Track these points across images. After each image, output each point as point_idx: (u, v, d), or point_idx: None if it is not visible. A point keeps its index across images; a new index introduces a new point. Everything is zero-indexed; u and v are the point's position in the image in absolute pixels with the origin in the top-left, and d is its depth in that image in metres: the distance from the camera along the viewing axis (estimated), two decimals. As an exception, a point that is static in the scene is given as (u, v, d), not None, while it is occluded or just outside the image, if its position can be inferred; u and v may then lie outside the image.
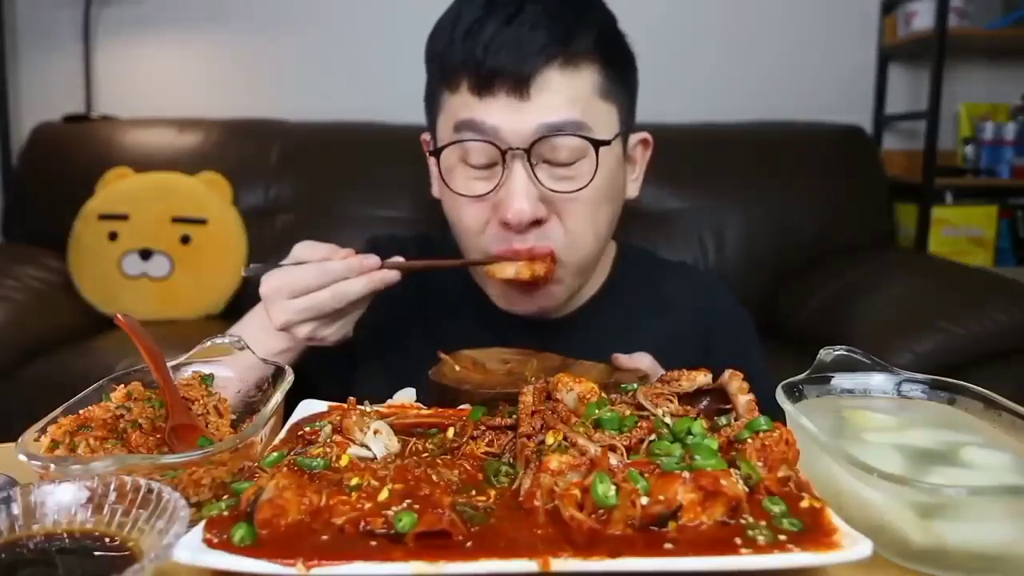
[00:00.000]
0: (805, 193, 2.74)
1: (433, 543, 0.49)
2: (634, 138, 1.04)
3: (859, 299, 2.27)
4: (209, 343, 0.81)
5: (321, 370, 1.02)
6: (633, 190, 1.06)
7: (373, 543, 0.50)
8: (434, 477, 0.57)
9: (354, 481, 0.55)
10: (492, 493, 0.57)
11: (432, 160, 1.03)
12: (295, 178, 2.72)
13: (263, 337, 0.92)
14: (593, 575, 0.48)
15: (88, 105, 3.03)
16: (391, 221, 2.61)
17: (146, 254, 2.56)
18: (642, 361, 0.89)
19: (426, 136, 1.06)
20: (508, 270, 0.95)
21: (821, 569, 0.49)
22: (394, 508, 0.52)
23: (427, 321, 1.09)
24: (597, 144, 0.91)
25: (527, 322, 1.06)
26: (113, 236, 2.57)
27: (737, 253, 2.67)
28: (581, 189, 0.91)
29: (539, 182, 0.91)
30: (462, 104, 0.93)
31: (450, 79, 0.94)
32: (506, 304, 1.02)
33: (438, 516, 0.50)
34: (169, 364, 0.75)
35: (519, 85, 0.89)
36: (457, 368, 0.89)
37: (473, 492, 0.57)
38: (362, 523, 0.51)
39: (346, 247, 1.13)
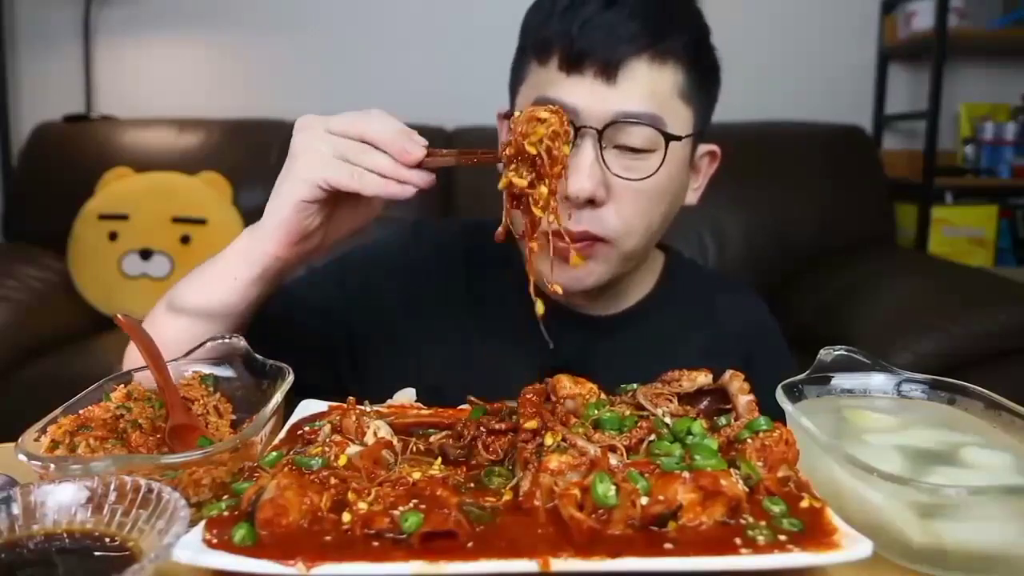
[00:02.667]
0: (805, 193, 2.73)
1: (434, 543, 0.49)
2: (703, 148, 1.06)
3: (859, 299, 2.27)
4: (209, 343, 0.81)
5: (328, 375, 1.02)
6: (692, 198, 1.07)
7: (375, 544, 0.50)
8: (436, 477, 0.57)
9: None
10: (493, 495, 0.57)
11: (503, 128, 1.04)
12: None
13: (236, 262, 0.89)
14: (593, 575, 0.48)
15: (88, 105, 3.03)
16: (390, 221, 2.59)
17: (146, 254, 2.56)
18: None
19: (502, 109, 1.06)
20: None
21: (821, 569, 0.49)
22: (400, 508, 0.52)
23: (480, 310, 1.08)
24: (668, 138, 0.93)
25: (575, 319, 1.06)
26: (113, 236, 2.57)
27: (737, 253, 2.67)
28: (644, 179, 0.93)
29: (605, 165, 0.92)
30: (547, 79, 0.95)
31: (541, 52, 0.96)
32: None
33: (444, 516, 0.50)
34: (169, 364, 0.75)
35: (607, 69, 0.91)
36: None
37: (473, 485, 0.58)
38: (368, 523, 0.51)
39: (349, 247, 1.12)
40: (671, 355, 1.01)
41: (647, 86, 0.93)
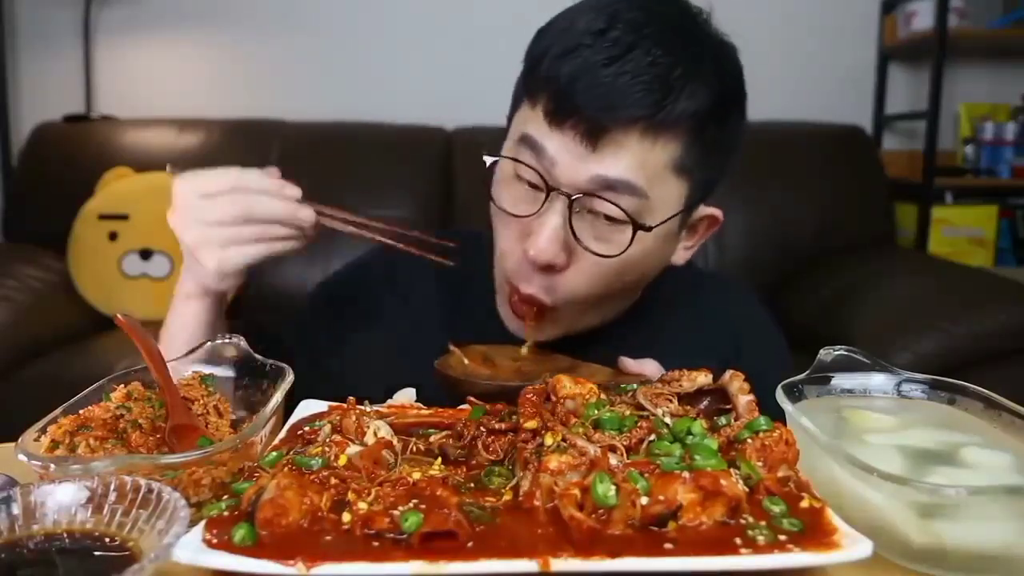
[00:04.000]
0: (805, 193, 2.74)
1: (434, 543, 0.49)
2: (703, 211, 0.97)
3: (859, 299, 2.28)
4: (209, 343, 0.81)
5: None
6: (680, 258, 1.00)
7: (375, 544, 0.50)
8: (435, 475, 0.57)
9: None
10: (492, 496, 0.57)
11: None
12: (295, 178, 2.70)
13: (189, 320, 0.94)
14: (593, 575, 0.48)
15: (88, 105, 3.03)
16: (391, 221, 2.60)
17: (146, 254, 2.56)
18: (648, 367, 0.87)
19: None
20: None
21: (821, 569, 0.49)
22: (400, 508, 0.52)
23: (458, 327, 1.05)
24: (637, 227, 0.84)
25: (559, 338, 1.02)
26: (113, 236, 2.57)
27: (737, 253, 2.67)
28: (607, 257, 0.86)
29: (572, 231, 0.85)
30: (534, 121, 0.87)
31: (531, 90, 0.88)
32: (506, 318, 0.99)
33: (444, 516, 0.50)
34: (169, 364, 0.75)
35: (590, 134, 0.82)
36: (465, 361, 0.88)
37: (473, 485, 0.58)
38: (368, 523, 0.51)
39: (343, 247, 1.14)
40: (657, 356, 1.01)
41: (634, 158, 0.83)
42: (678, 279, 1.10)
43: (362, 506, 0.52)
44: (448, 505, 0.52)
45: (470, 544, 0.50)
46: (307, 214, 0.86)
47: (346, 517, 0.52)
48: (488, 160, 0.91)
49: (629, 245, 0.85)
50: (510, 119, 0.96)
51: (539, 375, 0.88)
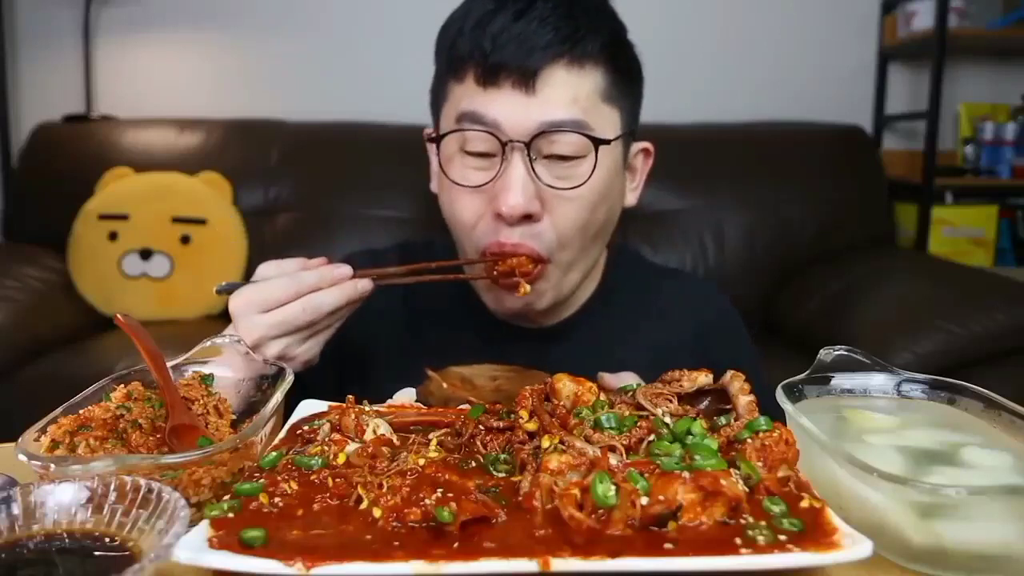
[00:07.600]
0: (805, 193, 2.74)
1: (432, 540, 0.50)
2: (635, 147, 1.05)
3: (859, 299, 2.27)
4: (209, 343, 0.81)
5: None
6: (632, 199, 1.07)
7: (376, 544, 0.50)
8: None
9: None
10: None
11: (432, 150, 1.03)
12: (295, 178, 2.72)
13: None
14: (593, 575, 0.48)
15: (88, 105, 3.03)
16: (390, 221, 2.61)
17: (146, 254, 2.56)
18: (627, 380, 0.88)
19: (428, 130, 1.06)
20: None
21: (821, 569, 0.49)
22: (426, 500, 0.52)
23: (424, 333, 1.09)
24: (597, 143, 0.91)
25: (522, 331, 1.06)
26: (113, 236, 2.56)
27: (737, 253, 2.67)
28: (578, 187, 0.92)
29: (537, 177, 0.91)
30: (466, 95, 0.94)
31: (457, 70, 0.95)
32: (494, 303, 1.02)
33: (478, 504, 0.51)
34: (169, 364, 0.75)
35: (524, 79, 0.90)
36: (444, 386, 0.89)
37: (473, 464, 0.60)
38: (400, 517, 0.51)
39: (343, 247, 1.14)
40: (619, 354, 1.02)
41: (568, 92, 0.91)
42: (633, 271, 1.13)
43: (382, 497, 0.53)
44: (468, 490, 0.52)
45: (456, 545, 0.49)
46: (364, 286, 0.87)
47: (377, 512, 0.52)
48: (431, 149, 0.96)
49: (595, 168, 0.91)
50: (436, 117, 1.02)
51: (518, 394, 0.88)
